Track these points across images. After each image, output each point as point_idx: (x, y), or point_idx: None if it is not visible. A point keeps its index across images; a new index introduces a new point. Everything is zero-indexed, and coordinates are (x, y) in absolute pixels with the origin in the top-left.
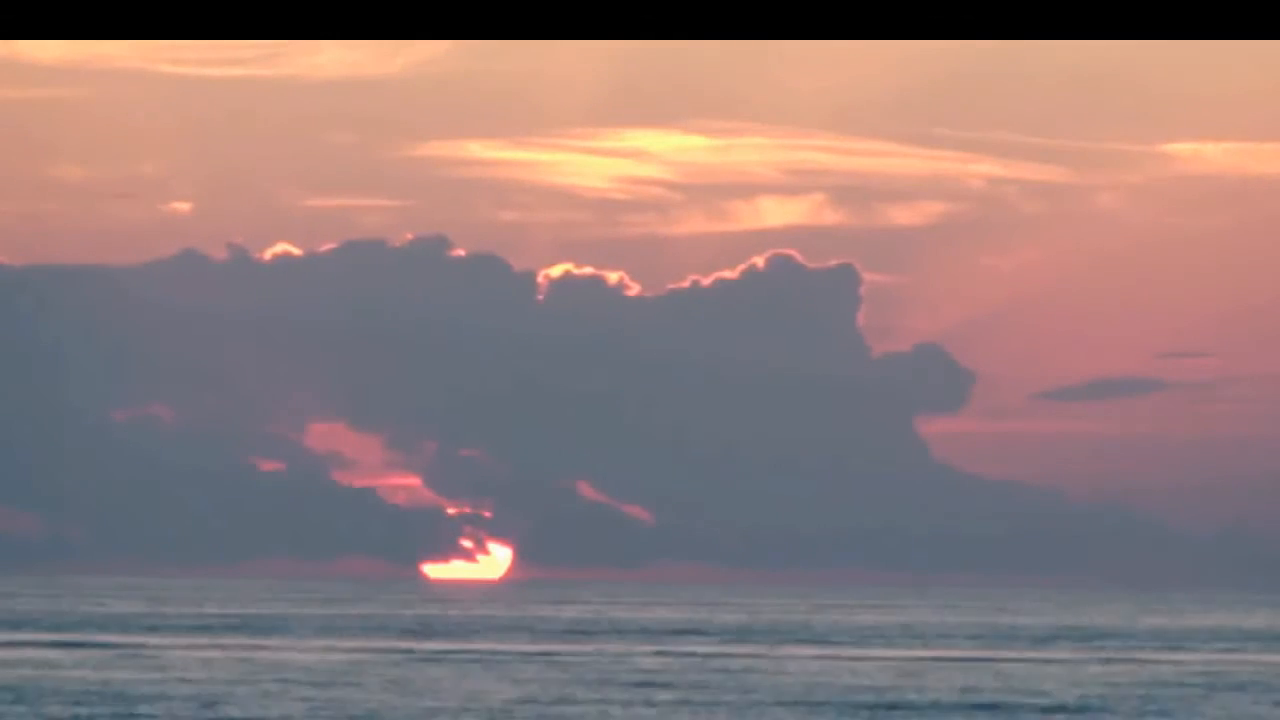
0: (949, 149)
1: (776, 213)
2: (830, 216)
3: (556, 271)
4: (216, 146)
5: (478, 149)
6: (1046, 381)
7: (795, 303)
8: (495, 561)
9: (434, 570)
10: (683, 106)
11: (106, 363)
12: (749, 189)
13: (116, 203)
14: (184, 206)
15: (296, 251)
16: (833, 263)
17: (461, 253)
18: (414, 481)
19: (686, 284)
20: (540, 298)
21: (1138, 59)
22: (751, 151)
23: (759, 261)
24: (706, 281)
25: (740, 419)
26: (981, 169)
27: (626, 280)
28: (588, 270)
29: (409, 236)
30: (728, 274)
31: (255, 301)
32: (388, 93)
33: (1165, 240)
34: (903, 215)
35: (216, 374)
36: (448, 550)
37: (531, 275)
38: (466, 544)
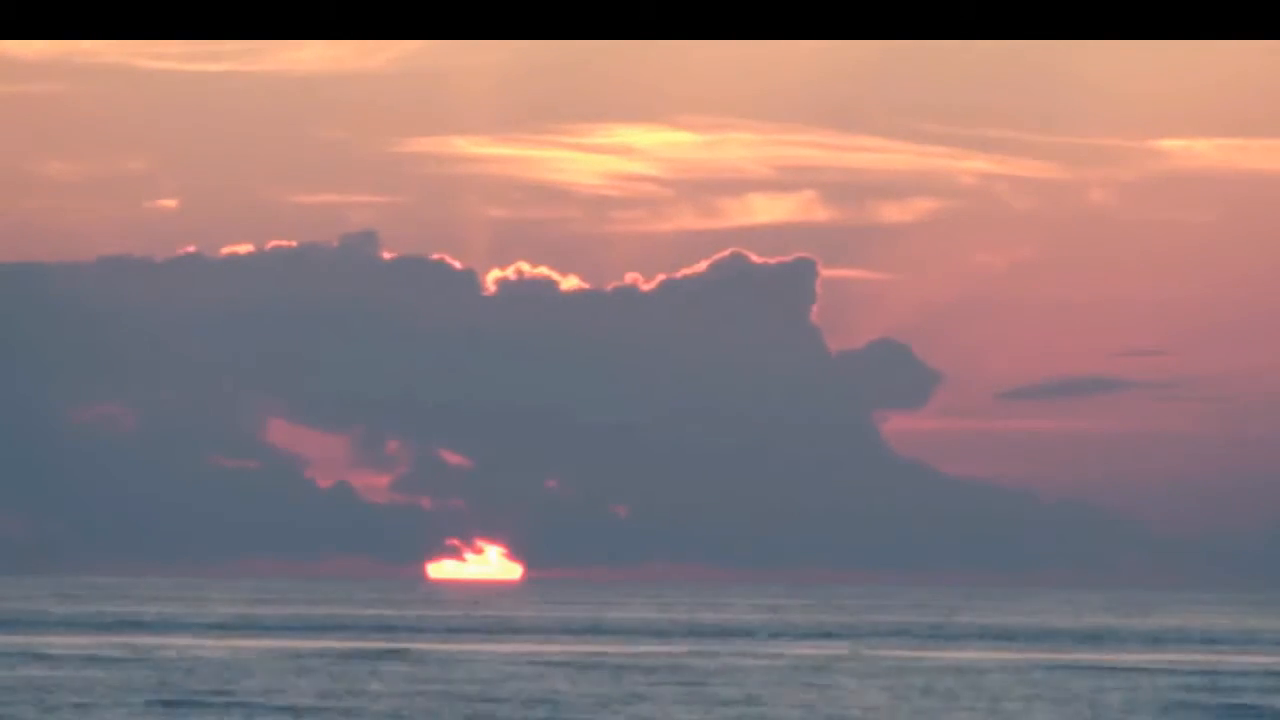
0: (940, 145)
1: (768, 209)
2: (821, 213)
3: (510, 271)
4: (202, 143)
5: (465, 144)
6: (1035, 377)
7: (757, 299)
8: (488, 560)
9: (431, 570)
10: (669, 102)
11: (53, 362)
12: (739, 185)
13: (103, 200)
14: (170, 203)
15: (252, 249)
16: (819, 259)
17: (424, 252)
18: (383, 480)
19: (658, 281)
20: (507, 297)
21: (1129, 54)
22: (740, 148)
23: (703, 264)
24: (678, 276)
25: (712, 416)
26: (973, 165)
27: (590, 278)
28: (542, 270)
29: (348, 234)
30: (689, 271)
31: (209, 299)
32: (372, 88)
33: (1157, 236)
34: (894, 212)
35: (170, 373)
36: (438, 550)
37: (497, 274)
38: (454, 543)
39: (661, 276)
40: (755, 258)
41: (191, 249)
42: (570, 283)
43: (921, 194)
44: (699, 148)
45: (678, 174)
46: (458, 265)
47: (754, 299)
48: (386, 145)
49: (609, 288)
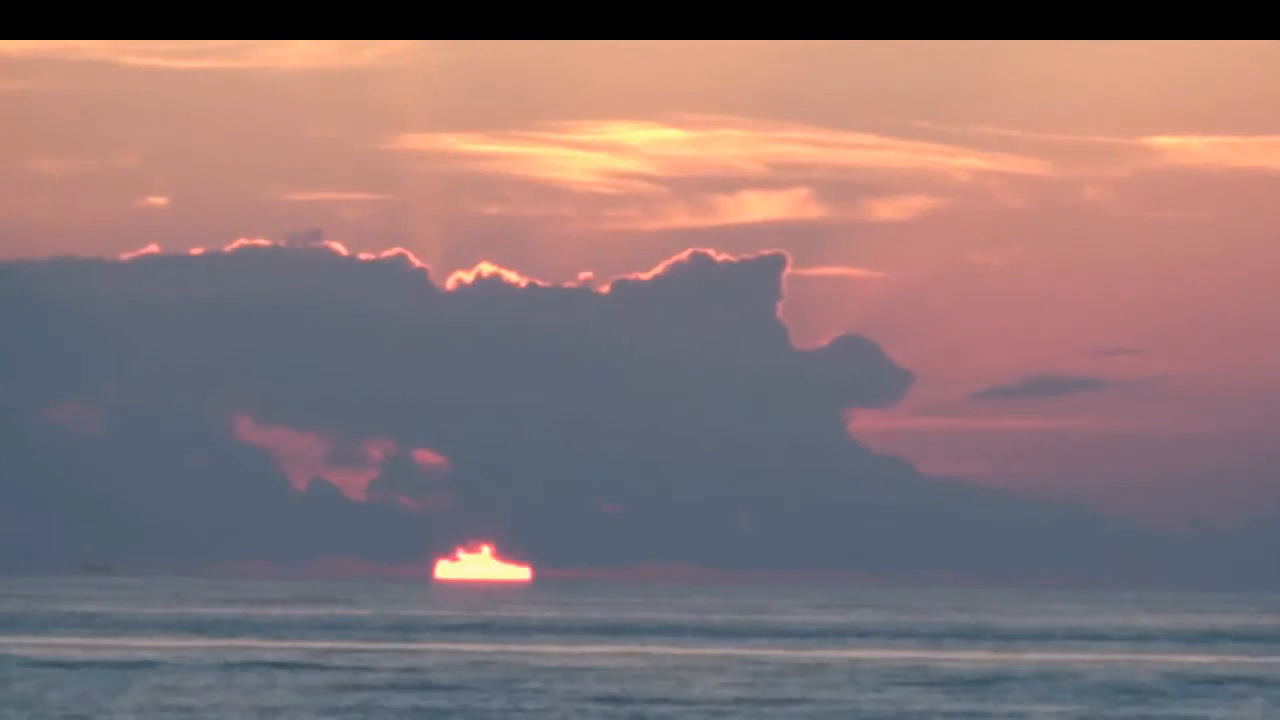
0: (934, 142)
1: (762, 207)
2: (814, 210)
3: (484, 271)
4: (191, 140)
5: (455, 142)
6: (1010, 376)
7: (725, 297)
8: (486, 561)
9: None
10: (660, 100)
11: (14, 360)
12: (733, 183)
13: (94, 197)
14: (160, 201)
15: (222, 248)
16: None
17: (414, 249)
18: (361, 480)
19: (636, 278)
20: (487, 296)
21: (1122, 53)
22: (732, 145)
23: (670, 263)
24: (647, 276)
25: (686, 415)
26: (967, 163)
27: (577, 276)
28: (518, 268)
29: (317, 232)
30: (655, 272)
31: (179, 298)
32: (360, 85)
33: (1150, 234)
34: (888, 209)
35: (135, 373)
36: (441, 550)
37: (482, 269)
38: (453, 544)
39: (635, 276)
40: (722, 256)
41: (155, 249)
42: (543, 281)
43: (915, 191)
44: (690, 145)
45: (670, 171)
46: (431, 263)
47: (721, 296)
48: (377, 143)
49: (580, 286)
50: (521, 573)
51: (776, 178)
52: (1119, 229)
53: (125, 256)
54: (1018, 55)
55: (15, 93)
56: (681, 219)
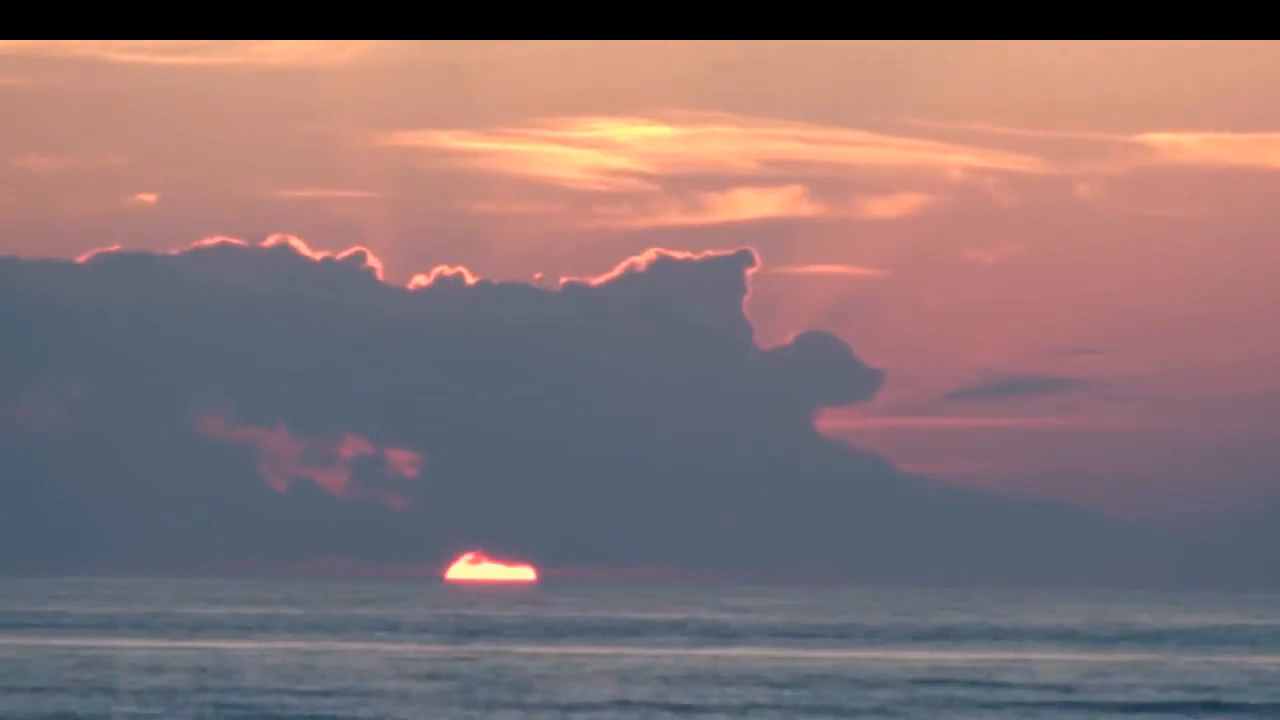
0: (926, 139)
1: (755, 204)
2: (807, 208)
3: (459, 271)
4: (180, 137)
5: (445, 139)
6: (992, 375)
7: (696, 295)
8: (480, 561)
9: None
10: (651, 97)
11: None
12: (725, 180)
13: (84, 195)
14: (149, 198)
15: (193, 246)
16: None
17: (405, 247)
18: (341, 479)
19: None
20: (466, 297)
21: (1115, 49)
22: (723, 142)
23: (639, 261)
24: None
25: (668, 413)
26: (960, 160)
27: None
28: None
29: (277, 234)
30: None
31: (148, 298)
32: (343, 83)
33: (1144, 231)
34: (880, 207)
35: (107, 372)
36: (424, 551)
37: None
38: (440, 544)
39: (605, 275)
40: (683, 254)
41: (116, 248)
42: (526, 279)
43: (908, 189)
44: (681, 142)
45: (662, 169)
46: (428, 262)
47: (692, 295)
48: (369, 140)
49: (563, 284)
50: (525, 573)
51: (769, 175)
52: (1113, 226)
53: (97, 254)
54: (1011, 52)
55: (3, 90)
56: (673, 216)
